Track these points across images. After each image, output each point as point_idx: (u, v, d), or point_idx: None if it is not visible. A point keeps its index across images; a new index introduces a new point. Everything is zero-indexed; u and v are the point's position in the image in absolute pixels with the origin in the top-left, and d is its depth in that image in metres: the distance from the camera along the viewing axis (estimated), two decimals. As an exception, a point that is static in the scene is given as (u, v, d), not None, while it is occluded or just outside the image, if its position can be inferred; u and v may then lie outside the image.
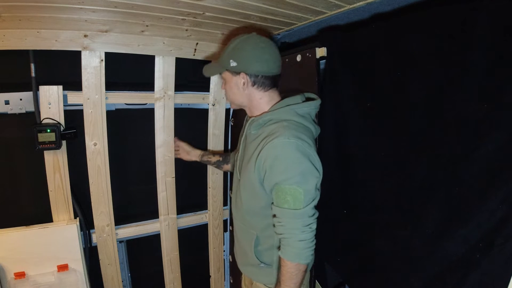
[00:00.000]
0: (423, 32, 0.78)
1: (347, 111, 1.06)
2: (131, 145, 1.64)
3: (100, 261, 1.56)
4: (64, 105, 1.35)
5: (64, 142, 1.36)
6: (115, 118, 1.51)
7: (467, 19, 0.67)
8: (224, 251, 2.00)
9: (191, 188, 1.84)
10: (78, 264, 1.41)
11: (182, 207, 1.77)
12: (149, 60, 1.48)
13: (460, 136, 0.70)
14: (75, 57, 1.32)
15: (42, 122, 1.31)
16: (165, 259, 1.74)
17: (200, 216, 1.85)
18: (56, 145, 1.31)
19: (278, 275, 0.96)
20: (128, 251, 1.74)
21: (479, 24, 0.64)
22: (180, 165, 1.69)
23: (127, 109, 1.56)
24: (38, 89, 1.29)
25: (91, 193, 1.47)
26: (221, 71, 1.03)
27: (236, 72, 0.99)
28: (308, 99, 1.05)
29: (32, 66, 1.26)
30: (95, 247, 1.54)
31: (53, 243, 1.36)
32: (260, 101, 1.01)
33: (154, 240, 1.71)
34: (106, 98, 1.42)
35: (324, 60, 1.14)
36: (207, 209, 1.87)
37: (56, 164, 1.37)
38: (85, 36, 1.28)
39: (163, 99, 1.55)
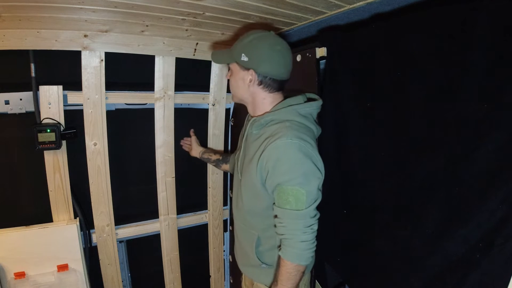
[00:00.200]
0: (423, 32, 0.78)
1: (347, 111, 1.06)
2: (131, 145, 1.64)
3: (100, 261, 1.56)
4: (64, 105, 1.35)
5: (64, 142, 1.36)
6: (115, 118, 1.51)
7: (467, 19, 0.67)
8: (224, 251, 2.01)
9: (191, 188, 1.84)
10: (78, 264, 1.41)
11: (182, 207, 1.77)
12: (149, 60, 1.48)
13: (460, 136, 0.70)
14: (75, 57, 1.32)
15: (42, 122, 1.31)
16: (165, 259, 1.74)
17: (200, 216, 1.85)
18: (56, 145, 1.31)
19: (276, 274, 0.95)
20: (128, 251, 1.74)
21: (479, 24, 0.64)
22: (180, 165, 1.69)
23: (127, 109, 1.56)
24: (38, 89, 1.29)
25: (91, 193, 1.47)
26: (230, 61, 1.02)
27: (245, 67, 0.97)
28: (310, 100, 1.05)
29: (32, 66, 1.26)
30: (95, 247, 1.54)
31: (53, 243, 1.36)
32: (264, 101, 1.01)
33: (154, 240, 1.71)
34: (106, 98, 1.42)
35: (324, 60, 1.14)
36: (207, 209, 1.87)
37: (56, 164, 1.37)
38: (85, 36, 1.28)
39: (163, 99, 1.55)
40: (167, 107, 1.57)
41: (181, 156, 1.68)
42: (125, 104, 1.54)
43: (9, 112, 1.29)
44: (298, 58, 1.21)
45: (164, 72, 1.52)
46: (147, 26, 1.28)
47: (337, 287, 1.31)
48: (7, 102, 1.28)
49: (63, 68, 1.37)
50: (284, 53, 0.97)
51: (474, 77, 0.66)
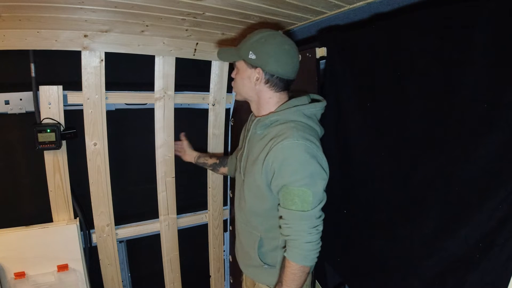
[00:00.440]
0: (423, 32, 0.78)
1: (347, 111, 1.06)
2: (131, 145, 1.64)
3: (100, 261, 1.56)
4: (64, 105, 1.34)
5: (64, 142, 1.36)
6: (115, 118, 1.51)
7: (467, 19, 0.67)
8: (224, 251, 2.01)
9: (191, 188, 1.84)
10: (78, 264, 1.41)
11: (182, 207, 1.77)
12: (149, 60, 1.48)
13: (460, 136, 0.70)
14: (75, 57, 1.32)
15: (42, 122, 1.31)
16: (165, 259, 1.74)
17: (200, 216, 1.85)
18: (56, 145, 1.31)
19: (281, 275, 0.95)
20: (128, 251, 1.74)
21: (479, 24, 0.64)
22: (180, 165, 1.69)
23: (127, 109, 1.56)
24: (38, 89, 1.29)
25: (91, 193, 1.47)
26: (237, 59, 1.01)
27: (252, 65, 0.97)
28: (313, 100, 1.04)
29: (32, 66, 1.26)
30: (95, 247, 1.54)
31: (53, 243, 1.36)
32: (269, 100, 1.00)
33: (154, 240, 1.71)
34: (106, 98, 1.42)
35: (324, 60, 1.14)
36: (207, 209, 1.87)
37: (56, 164, 1.37)
38: (85, 36, 1.28)
39: (163, 99, 1.55)
40: (167, 107, 1.57)
41: (181, 156, 1.68)
42: (125, 104, 1.54)
43: (9, 112, 1.29)
44: (299, 58, 1.21)
45: (164, 72, 1.52)
46: (147, 26, 1.28)
47: (337, 287, 1.31)
48: (7, 102, 1.28)
49: (63, 68, 1.37)
50: (292, 53, 0.96)
51: (474, 77, 0.66)
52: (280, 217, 0.93)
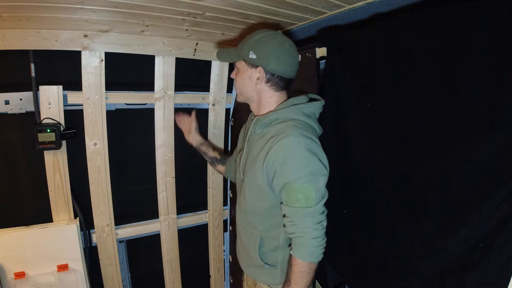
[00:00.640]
0: (423, 32, 0.78)
1: (347, 111, 1.06)
2: (131, 145, 1.64)
3: (100, 261, 1.56)
4: (64, 105, 1.35)
5: (64, 142, 1.36)
6: (115, 118, 1.51)
7: (467, 19, 0.67)
8: (224, 251, 2.01)
9: (191, 188, 1.84)
10: (78, 264, 1.41)
11: (182, 207, 1.77)
12: (149, 60, 1.48)
13: (460, 136, 0.70)
14: (75, 57, 1.32)
15: (42, 122, 1.31)
16: (165, 259, 1.74)
17: (200, 216, 1.85)
18: (56, 145, 1.31)
19: (288, 274, 0.95)
20: (128, 251, 1.74)
21: (479, 23, 0.64)
22: (180, 165, 1.69)
23: (127, 109, 1.56)
24: (38, 89, 1.29)
25: (91, 193, 1.47)
26: (237, 59, 1.01)
27: (253, 64, 0.97)
28: (312, 100, 1.05)
29: (32, 66, 1.26)
30: (95, 247, 1.54)
31: (53, 243, 1.36)
32: (270, 99, 1.01)
33: (154, 240, 1.71)
34: (106, 98, 1.42)
35: (324, 60, 1.14)
36: (207, 209, 1.87)
37: (56, 164, 1.37)
38: (85, 36, 1.28)
39: (163, 99, 1.55)
40: (167, 107, 1.57)
41: (181, 156, 1.68)
42: (125, 104, 1.54)
43: (9, 112, 1.29)
44: (298, 58, 1.21)
45: (164, 72, 1.52)
46: (147, 26, 1.28)
47: (337, 287, 1.31)
48: (7, 102, 1.28)
49: (63, 68, 1.37)
50: (292, 52, 0.97)
51: (474, 77, 0.66)
52: (284, 216, 0.93)
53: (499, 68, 0.62)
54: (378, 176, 0.95)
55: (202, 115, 1.75)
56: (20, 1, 0.95)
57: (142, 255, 1.80)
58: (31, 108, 1.30)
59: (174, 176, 1.67)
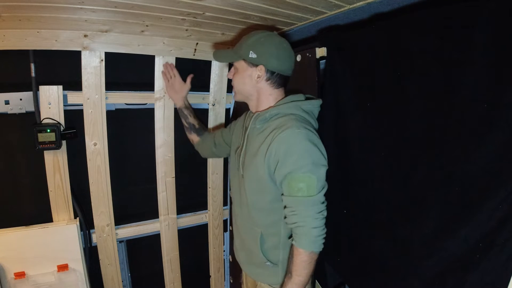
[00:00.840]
0: (423, 32, 0.77)
1: (347, 111, 1.06)
2: (131, 145, 1.64)
3: (100, 261, 1.56)
4: (64, 105, 1.35)
5: (64, 142, 1.36)
6: (115, 118, 1.51)
7: (467, 19, 0.67)
8: (224, 251, 2.01)
9: (191, 188, 1.84)
10: (78, 264, 1.41)
11: (182, 207, 1.77)
12: (149, 60, 1.48)
13: (460, 136, 0.70)
14: (75, 57, 1.32)
15: (42, 122, 1.31)
16: (165, 259, 1.74)
17: (200, 216, 1.85)
18: (56, 145, 1.31)
19: (289, 266, 0.96)
20: (128, 251, 1.74)
21: (479, 24, 0.64)
22: (180, 165, 1.69)
23: (127, 109, 1.56)
24: (38, 89, 1.29)
25: (91, 193, 1.47)
26: (236, 59, 1.05)
27: (253, 63, 1.01)
28: (307, 99, 1.08)
29: (32, 66, 1.26)
30: (95, 247, 1.54)
31: (53, 243, 1.36)
32: (269, 97, 1.05)
33: (154, 240, 1.71)
34: (106, 98, 1.42)
35: (324, 60, 1.14)
36: (207, 209, 1.87)
37: (56, 164, 1.37)
38: (85, 36, 1.29)
39: (163, 99, 1.55)
40: (167, 107, 1.57)
41: (181, 156, 1.68)
42: (125, 104, 1.54)
43: (9, 112, 1.29)
44: (298, 58, 1.21)
45: (164, 72, 1.52)
46: (147, 26, 1.28)
47: (337, 287, 1.31)
48: (7, 102, 1.28)
49: (63, 68, 1.37)
50: (290, 52, 1.04)
51: (474, 77, 0.66)
52: (285, 207, 0.95)
53: (499, 68, 0.62)
54: (378, 176, 0.95)
55: (202, 115, 1.75)
56: (20, 1, 0.95)
57: (142, 255, 1.79)
58: (31, 108, 1.30)
59: (174, 176, 1.67)
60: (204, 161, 1.80)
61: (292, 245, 0.94)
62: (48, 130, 1.29)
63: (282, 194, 0.95)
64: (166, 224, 1.70)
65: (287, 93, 1.09)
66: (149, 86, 1.52)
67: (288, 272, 0.96)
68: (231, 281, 2.04)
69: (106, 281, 1.60)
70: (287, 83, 1.07)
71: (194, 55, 1.56)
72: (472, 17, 0.65)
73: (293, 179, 0.90)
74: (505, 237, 0.61)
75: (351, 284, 1.19)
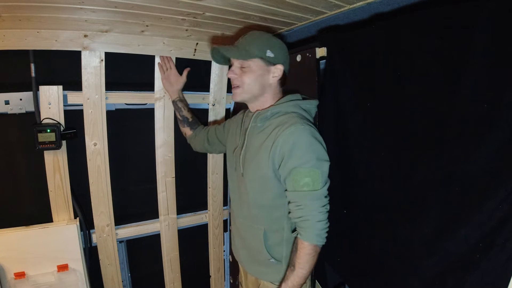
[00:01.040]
0: (423, 32, 0.78)
1: (347, 111, 1.06)
2: (131, 145, 1.64)
3: (100, 261, 1.56)
4: (64, 105, 1.34)
5: (64, 142, 1.36)
6: (115, 118, 1.51)
7: (467, 19, 0.67)
8: (224, 251, 2.01)
9: (191, 188, 1.84)
10: (78, 264, 1.41)
11: (182, 207, 1.77)
12: (149, 60, 1.48)
13: (460, 136, 0.70)
14: (75, 57, 1.32)
15: (42, 122, 1.31)
16: (165, 259, 1.74)
17: (200, 216, 1.85)
18: (56, 145, 1.31)
19: (292, 259, 0.97)
20: (128, 251, 1.74)
21: (479, 23, 0.64)
22: (180, 165, 1.69)
23: (127, 109, 1.56)
24: (38, 89, 1.29)
25: (91, 193, 1.47)
26: (251, 57, 1.02)
27: (271, 62, 1.03)
28: (304, 99, 1.10)
29: (32, 66, 1.26)
30: (95, 247, 1.54)
31: (53, 243, 1.36)
32: (274, 96, 1.08)
33: (154, 240, 1.71)
34: (106, 98, 1.42)
35: (324, 60, 1.14)
36: (207, 209, 1.87)
37: (56, 164, 1.37)
38: (85, 36, 1.28)
39: (163, 99, 1.55)
40: (167, 107, 1.57)
41: (181, 156, 1.68)
42: (125, 104, 1.53)
43: (9, 112, 1.29)
44: (298, 58, 1.21)
45: (164, 72, 1.51)
46: (147, 26, 1.28)
47: (337, 287, 1.31)
48: (7, 102, 1.28)
49: (63, 68, 1.37)
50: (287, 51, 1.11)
51: (474, 77, 0.66)
52: (289, 202, 0.96)
53: (499, 68, 0.62)
54: (378, 176, 0.96)
55: (202, 115, 1.75)
56: (20, 1, 0.95)
57: (142, 255, 1.79)
58: (31, 108, 1.30)
59: (174, 176, 1.67)
60: (204, 161, 1.80)
61: (295, 239, 0.96)
62: (48, 130, 1.29)
63: (286, 190, 0.97)
64: (166, 224, 1.70)
65: (285, 92, 1.12)
66: (149, 86, 1.52)
67: (290, 265, 0.98)
68: (231, 281, 2.04)
69: (106, 281, 1.59)
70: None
71: (194, 55, 1.56)
72: (472, 17, 0.65)
73: (298, 173, 0.91)
74: (505, 237, 0.62)
75: (351, 284, 1.19)
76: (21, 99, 1.29)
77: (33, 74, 1.26)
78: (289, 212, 0.98)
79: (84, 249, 1.48)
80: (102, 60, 1.36)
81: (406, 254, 0.85)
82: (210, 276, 2.00)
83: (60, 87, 1.32)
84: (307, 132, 0.93)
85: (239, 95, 1.06)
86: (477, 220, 0.67)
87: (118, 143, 1.55)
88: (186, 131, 1.49)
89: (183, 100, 1.49)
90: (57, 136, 1.30)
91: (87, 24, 1.20)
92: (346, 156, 1.08)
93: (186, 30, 1.37)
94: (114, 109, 1.52)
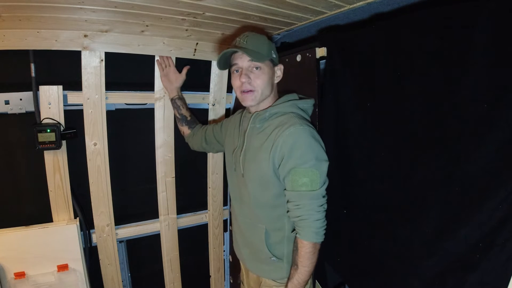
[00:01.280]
0: (423, 32, 0.78)
1: (347, 111, 1.06)
2: (131, 145, 1.64)
3: (100, 261, 1.56)
4: (64, 105, 1.34)
5: (64, 142, 1.36)
6: (115, 118, 1.51)
7: (467, 18, 0.67)
8: (224, 251, 2.01)
9: (191, 188, 1.84)
10: (78, 264, 1.41)
11: (182, 207, 1.77)
12: (149, 60, 1.48)
13: (460, 136, 0.70)
14: (75, 57, 1.32)
15: (42, 122, 1.31)
16: (165, 259, 1.74)
17: (200, 216, 1.85)
18: (56, 145, 1.31)
19: (295, 258, 0.99)
20: (128, 251, 1.74)
21: (479, 23, 0.64)
22: (180, 165, 1.69)
23: (127, 109, 1.56)
24: (38, 89, 1.29)
25: (91, 193, 1.47)
26: (266, 59, 1.02)
27: (275, 62, 1.07)
28: (300, 99, 1.11)
29: (32, 66, 1.26)
30: (95, 247, 1.54)
31: (53, 243, 1.36)
32: (274, 96, 1.09)
33: (154, 240, 1.71)
34: (106, 98, 1.42)
35: (324, 60, 1.14)
36: (207, 209, 1.87)
37: (56, 164, 1.37)
38: (85, 36, 1.28)
39: (163, 99, 1.55)
40: (167, 107, 1.57)
41: (181, 156, 1.68)
42: (125, 104, 1.53)
43: (9, 112, 1.29)
44: (298, 58, 1.21)
45: (164, 72, 1.51)
46: (147, 26, 1.28)
47: (337, 287, 1.31)
48: (7, 102, 1.28)
49: (63, 68, 1.37)
50: None
51: (474, 77, 0.66)
52: (288, 201, 0.97)
53: (499, 68, 0.62)
54: (378, 176, 0.96)
55: (202, 115, 1.75)
56: (20, 1, 0.95)
57: (142, 255, 1.79)
58: (31, 108, 1.30)
59: (174, 176, 1.67)
60: (204, 161, 1.80)
61: (296, 238, 0.98)
62: (48, 130, 1.29)
63: (285, 189, 0.98)
64: (166, 224, 1.70)
65: (281, 93, 1.12)
66: (149, 86, 1.52)
67: (294, 264, 0.99)
68: (231, 281, 2.04)
69: (106, 281, 1.59)
70: None
71: (194, 55, 1.56)
72: (472, 17, 0.65)
73: (297, 173, 0.92)
74: (505, 237, 0.62)
75: (351, 284, 1.19)
76: (21, 99, 1.29)
77: (33, 74, 1.26)
78: (288, 211, 0.99)
79: (84, 249, 1.48)
80: (102, 60, 1.36)
81: (406, 254, 0.85)
82: (210, 276, 2.00)
83: (60, 87, 1.32)
84: (307, 133, 0.94)
85: (253, 100, 1.03)
86: (477, 220, 0.67)
87: (118, 143, 1.55)
88: (184, 129, 1.49)
89: (182, 99, 1.49)
90: (57, 136, 1.30)
91: (87, 24, 1.20)
92: (346, 156, 1.08)
93: (186, 30, 1.37)
94: (114, 109, 1.52)
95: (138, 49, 1.42)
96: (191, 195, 1.84)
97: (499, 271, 0.63)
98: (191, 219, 1.82)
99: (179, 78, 1.46)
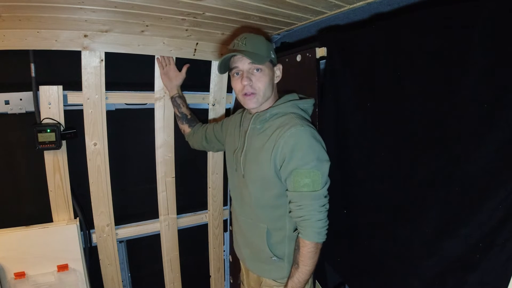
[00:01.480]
0: (423, 32, 0.77)
1: (347, 111, 1.06)
2: (131, 145, 1.64)
3: (100, 261, 1.56)
4: (64, 105, 1.34)
5: (64, 142, 1.36)
6: (115, 118, 1.51)
7: (467, 18, 0.67)
8: (224, 251, 2.01)
9: (191, 188, 1.84)
10: (78, 264, 1.41)
11: (182, 207, 1.77)
12: (149, 60, 1.48)
13: (460, 136, 0.70)
14: (75, 57, 1.32)
15: (42, 122, 1.31)
16: (165, 259, 1.74)
17: (200, 216, 1.85)
18: (56, 145, 1.31)
19: (296, 257, 0.99)
20: (128, 251, 1.74)
21: (479, 23, 0.64)
22: (180, 165, 1.69)
23: (127, 109, 1.56)
24: (38, 89, 1.29)
25: (91, 193, 1.47)
26: (266, 60, 1.02)
27: (274, 63, 1.07)
28: (300, 98, 1.11)
29: (32, 66, 1.26)
30: (95, 247, 1.54)
31: (53, 243, 1.36)
32: (274, 97, 1.09)
33: (154, 240, 1.71)
34: (106, 98, 1.42)
35: (324, 60, 1.14)
36: (207, 209, 1.87)
37: (56, 164, 1.37)
38: (85, 36, 1.28)
39: (163, 99, 1.55)
40: (167, 107, 1.57)
41: (181, 156, 1.68)
42: (125, 104, 1.54)
43: (9, 112, 1.29)
44: (298, 58, 1.21)
45: (164, 72, 1.51)
46: (147, 26, 1.28)
47: (337, 287, 1.31)
48: (7, 102, 1.28)
49: (63, 68, 1.37)
50: None
51: (474, 77, 0.66)
52: (290, 202, 0.97)
53: (499, 68, 0.62)
54: (378, 175, 0.96)
55: (202, 115, 1.75)
56: (20, 1, 0.95)
57: (142, 255, 1.79)
58: (31, 108, 1.30)
59: (174, 176, 1.67)
60: (204, 161, 1.80)
61: (298, 238, 0.98)
62: (48, 130, 1.29)
63: (287, 190, 0.98)
64: (166, 224, 1.70)
65: (281, 93, 1.12)
66: (149, 86, 1.52)
67: (295, 263, 1.00)
68: (231, 281, 2.04)
69: (106, 281, 1.59)
70: None
71: (194, 55, 1.56)
72: (472, 17, 0.65)
73: (299, 174, 0.92)
74: (505, 237, 0.62)
75: (351, 284, 1.19)
76: (21, 99, 1.30)
77: (33, 74, 1.26)
78: (290, 212, 0.99)
79: (84, 249, 1.48)
80: (102, 60, 1.36)
81: (406, 254, 0.85)
82: (210, 276, 2.00)
83: (60, 87, 1.32)
84: (308, 134, 0.93)
85: (256, 103, 1.02)
86: (477, 220, 0.67)
87: (118, 143, 1.55)
88: (185, 128, 1.49)
89: (182, 97, 1.49)
90: (57, 136, 1.30)
91: (87, 24, 1.20)
92: (346, 156, 1.08)
93: (186, 30, 1.37)
94: (114, 109, 1.52)
95: (138, 49, 1.42)
96: (191, 195, 1.84)
97: (499, 271, 0.63)
98: (191, 219, 1.82)
99: (179, 76, 1.46)
